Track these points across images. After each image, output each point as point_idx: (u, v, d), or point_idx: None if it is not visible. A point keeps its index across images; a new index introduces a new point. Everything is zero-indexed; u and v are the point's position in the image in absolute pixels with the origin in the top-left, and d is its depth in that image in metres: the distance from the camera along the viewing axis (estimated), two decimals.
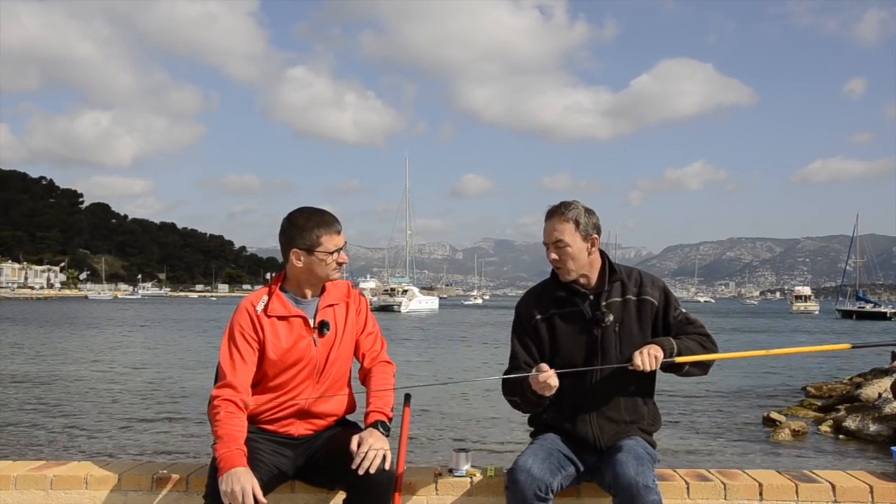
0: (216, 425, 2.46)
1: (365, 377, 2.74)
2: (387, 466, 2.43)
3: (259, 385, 2.62)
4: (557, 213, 2.67)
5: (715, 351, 2.67)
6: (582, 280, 2.69)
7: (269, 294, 2.64)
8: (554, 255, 2.66)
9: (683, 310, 2.75)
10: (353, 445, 2.43)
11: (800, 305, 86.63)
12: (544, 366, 2.54)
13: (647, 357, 2.50)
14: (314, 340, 2.62)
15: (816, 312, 79.72)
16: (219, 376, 2.57)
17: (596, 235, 2.68)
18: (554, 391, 2.52)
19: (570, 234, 2.63)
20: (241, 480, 2.32)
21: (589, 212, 2.69)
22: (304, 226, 2.59)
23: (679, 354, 2.57)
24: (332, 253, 2.60)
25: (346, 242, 2.66)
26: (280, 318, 2.60)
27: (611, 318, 2.63)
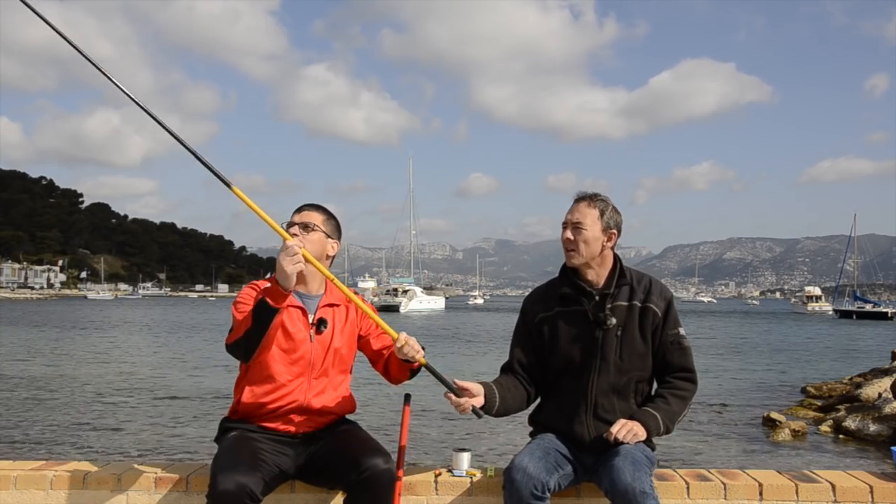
0: (245, 315, 2.47)
1: (387, 363, 2.72)
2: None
3: (255, 376, 2.62)
4: (587, 198, 2.71)
5: (690, 400, 2.68)
6: (590, 275, 2.69)
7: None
8: (568, 235, 2.67)
9: (682, 331, 2.70)
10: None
11: (814, 306, 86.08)
12: (475, 387, 2.58)
13: (626, 433, 2.52)
14: (310, 336, 2.63)
15: (830, 312, 78.45)
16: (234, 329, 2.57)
17: (615, 231, 2.70)
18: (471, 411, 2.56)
19: (591, 220, 2.65)
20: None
21: (616, 210, 2.72)
22: None
23: (665, 432, 2.61)
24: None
25: (296, 224, 2.65)
26: None
27: (613, 321, 2.63)
